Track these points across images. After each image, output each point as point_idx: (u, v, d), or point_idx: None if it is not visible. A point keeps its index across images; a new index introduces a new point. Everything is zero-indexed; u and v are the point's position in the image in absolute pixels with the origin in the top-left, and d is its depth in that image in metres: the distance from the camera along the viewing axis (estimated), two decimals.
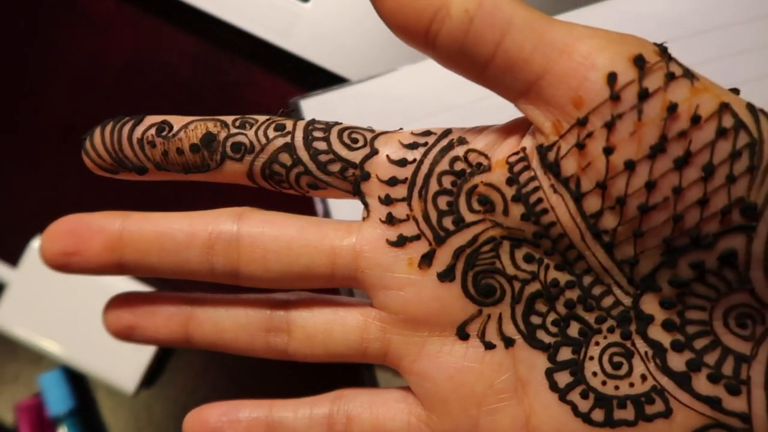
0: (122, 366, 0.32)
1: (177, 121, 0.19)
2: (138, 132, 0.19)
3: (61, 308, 0.32)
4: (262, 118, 0.19)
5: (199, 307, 0.20)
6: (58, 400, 0.32)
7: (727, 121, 0.14)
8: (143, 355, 0.32)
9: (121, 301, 0.20)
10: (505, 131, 0.18)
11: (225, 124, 0.19)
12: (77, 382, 0.33)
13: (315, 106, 0.27)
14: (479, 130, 0.18)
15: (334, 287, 0.19)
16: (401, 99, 0.27)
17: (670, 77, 0.15)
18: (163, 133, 0.19)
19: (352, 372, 0.29)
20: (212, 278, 0.19)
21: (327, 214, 0.27)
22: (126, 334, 0.20)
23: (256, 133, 0.19)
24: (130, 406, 0.33)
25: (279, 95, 0.32)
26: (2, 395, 0.34)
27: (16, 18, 0.33)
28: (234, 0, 0.30)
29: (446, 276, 0.18)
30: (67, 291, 0.32)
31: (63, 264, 0.19)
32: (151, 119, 0.19)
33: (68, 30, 0.33)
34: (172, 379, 0.33)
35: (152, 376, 0.33)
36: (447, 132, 0.18)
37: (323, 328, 0.19)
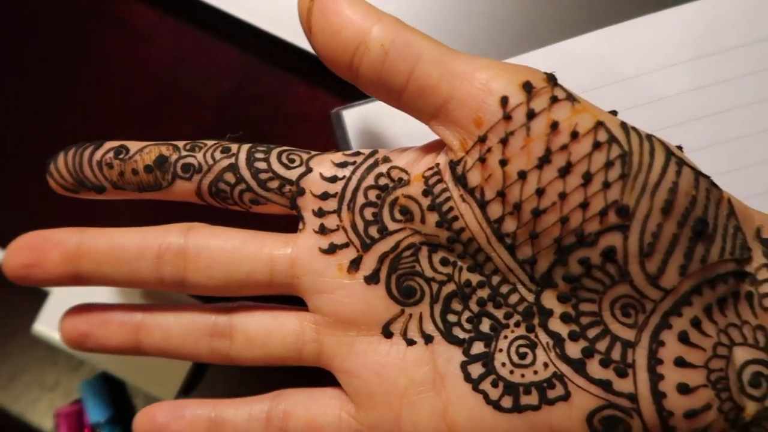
0: (162, 374, 0.31)
1: (134, 145, 0.21)
2: (98, 155, 0.21)
3: None
4: (210, 142, 0.21)
5: (149, 315, 0.21)
6: (97, 407, 0.32)
7: (602, 136, 0.17)
8: (183, 363, 0.31)
9: (77, 311, 0.22)
10: (424, 150, 0.20)
11: (177, 148, 0.21)
12: (117, 389, 0.33)
13: (356, 117, 0.27)
14: (402, 150, 0.20)
15: (274, 294, 0.21)
16: None
17: (554, 100, 0.17)
18: (120, 156, 0.21)
19: None
20: (162, 287, 0.21)
21: None
22: (79, 342, 0.22)
23: (204, 155, 0.21)
24: None
25: (319, 106, 0.31)
26: (42, 402, 0.34)
27: (57, 30, 0.33)
28: (275, 11, 0.30)
29: (372, 279, 0.20)
30: (109, 299, 0.32)
31: (24, 276, 0.21)
32: (110, 144, 0.21)
33: (109, 42, 0.33)
34: (210, 387, 0.32)
35: (191, 384, 0.32)
36: (374, 152, 0.21)
37: (263, 332, 0.21)
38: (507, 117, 0.17)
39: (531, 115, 0.17)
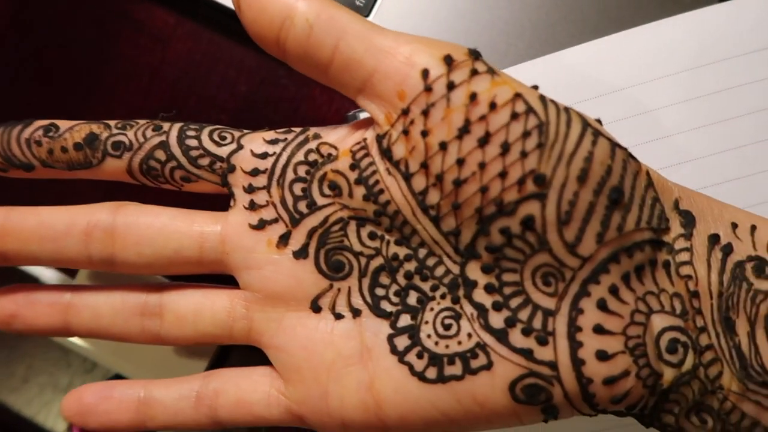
0: (176, 376, 0.30)
1: (64, 124, 0.21)
2: (26, 133, 0.21)
3: None
4: (142, 121, 0.21)
5: (78, 295, 0.21)
6: None
7: (520, 107, 0.17)
8: (197, 365, 0.31)
9: (5, 291, 0.22)
10: (354, 127, 0.20)
11: (108, 126, 0.21)
12: None
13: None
14: (334, 127, 0.21)
15: (205, 272, 0.21)
16: None
17: (474, 72, 0.18)
18: (50, 134, 0.21)
19: None
20: (90, 266, 0.21)
21: None
22: (7, 323, 0.21)
23: (135, 133, 0.21)
24: None
25: (335, 109, 0.31)
26: (55, 404, 0.33)
27: (74, 32, 0.33)
28: None
29: (300, 254, 0.20)
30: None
31: None
32: (40, 122, 0.21)
33: (126, 44, 0.33)
34: None
35: None
36: (305, 130, 0.21)
37: (193, 310, 0.21)
38: (428, 89, 0.18)
39: (451, 86, 0.17)
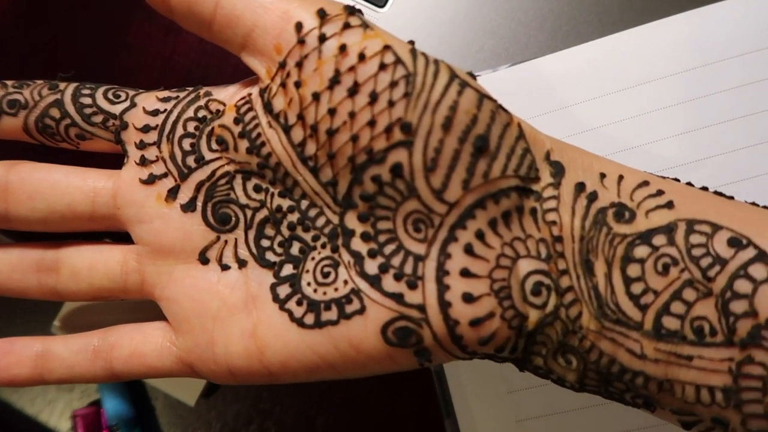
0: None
1: None
2: None
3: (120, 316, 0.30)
4: (40, 81, 0.21)
5: None
6: (116, 408, 0.31)
7: (388, 58, 0.18)
8: None
9: None
10: (243, 84, 0.21)
11: (4, 85, 0.21)
12: (136, 390, 0.33)
13: None
14: (225, 86, 0.21)
15: (100, 229, 0.21)
16: None
17: (346, 26, 0.18)
18: None
19: (419, 381, 0.29)
20: None
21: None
22: None
23: (31, 92, 0.21)
24: (190, 416, 0.32)
25: None
26: (59, 402, 0.33)
27: (84, 21, 0.33)
28: None
29: (188, 207, 0.20)
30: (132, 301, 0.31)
31: None
32: None
33: (137, 33, 0.33)
34: (234, 389, 0.32)
35: (213, 386, 0.32)
36: (198, 88, 0.21)
37: (88, 264, 0.21)
38: (301, 42, 0.18)
39: (323, 39, 0.18)
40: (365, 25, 0.18)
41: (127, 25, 0.33)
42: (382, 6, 0.33)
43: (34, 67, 0.34)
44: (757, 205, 0.19)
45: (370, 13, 0.32)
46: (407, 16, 0.33)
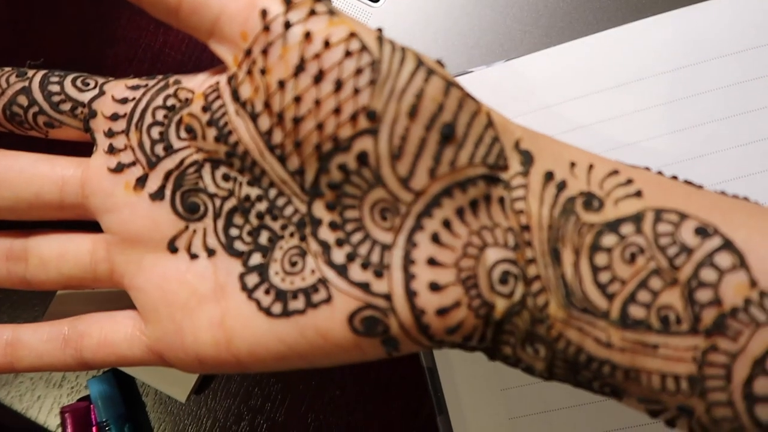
0: (174, 372, 0.29)
1: None
2: None
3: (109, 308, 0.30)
4: (7, 69, 0.21)
5: None
6: (106, 404, 0.31)
7: (354, 46, 0.18)
8: None
9: None
10: (213, 72, 0.21)
11: None
12: (126, 386, 0.33)
13: None
14: (194, 74, 0.21)
15: (69, 218, 0.21)
16: None
17: (312, 12, 0.18)
18: None
19: (411, 378, 0.29)
20: None
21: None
22: None
23: None
24: (181, 412, 0.33)
25: None
26: (47, 399, 0.33)
27: (77, 15, 0.33)
28: None
29: (157, 196, 0.20)
30: (117, 291, 0.31)
31: None
32: None
33: (129, 27, 0.33)
34: (225, 386, 0.32)
35: (204, 383, 0.32)
36: (167, 76, 0.21)
37: (57, 253, 0.21)
38: (266, 28, 0.18)
39: (288, 26, 0.18)
40: (331, 12, 0.18)
41: (118, 18, 0.33)
42: (375, 0, 0.33)
43: (23, 59, 0.34)
44: (726, 194, 0.19)
45: (363, 8, 0.32)
46: (401, 11, 0.33)
